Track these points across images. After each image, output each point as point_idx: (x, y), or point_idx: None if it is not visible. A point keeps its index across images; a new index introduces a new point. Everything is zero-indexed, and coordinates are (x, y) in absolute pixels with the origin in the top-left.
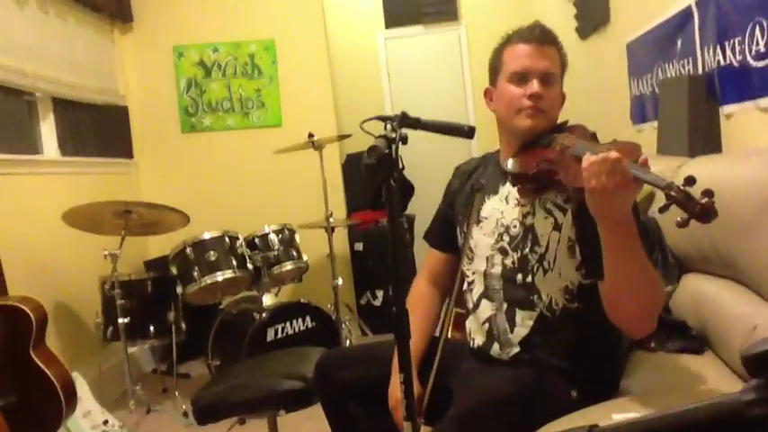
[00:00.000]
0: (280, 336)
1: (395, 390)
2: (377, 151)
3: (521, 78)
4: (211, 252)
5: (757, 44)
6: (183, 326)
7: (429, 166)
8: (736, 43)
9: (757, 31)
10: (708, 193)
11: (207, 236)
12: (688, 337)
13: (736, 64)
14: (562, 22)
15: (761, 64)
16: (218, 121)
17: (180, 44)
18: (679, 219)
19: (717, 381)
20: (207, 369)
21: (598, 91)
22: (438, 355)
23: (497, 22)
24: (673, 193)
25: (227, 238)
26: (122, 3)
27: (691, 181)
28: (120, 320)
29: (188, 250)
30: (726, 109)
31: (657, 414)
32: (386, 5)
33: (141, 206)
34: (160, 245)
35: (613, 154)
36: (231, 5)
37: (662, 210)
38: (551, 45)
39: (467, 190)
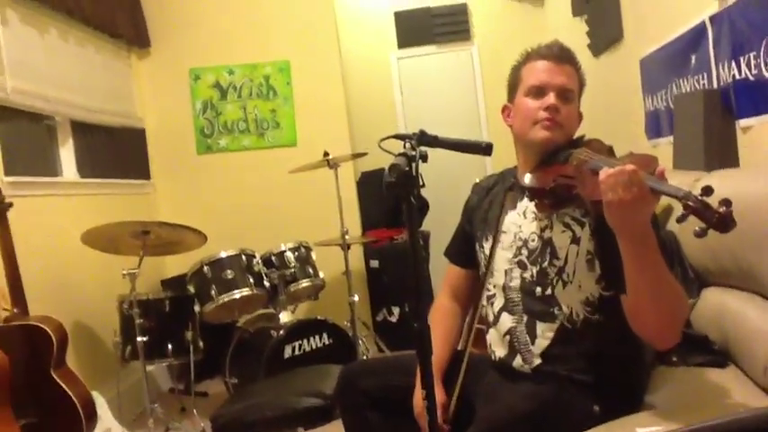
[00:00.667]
0: (297, 353)
1: (417, 401)
2: (398, 169)
3: (538, 92)
4: (228, 270)
5: None
6: (201, 344)
7: (442, 183)
8: (752, 57)
9: None
10: (726, 203)
11: (224, 254)
12: (710, 351)
13: (751, 78)
14: (575, 39)
15: None
16: (234, 141)
17: (196, 67)
18: (697, 228)
19: (740, 395)
20: (225, 387)
21: (612, 107)
22: (464, 368)
23: (510, 42)
24: (690, 203)
25: (243, 257)
26: (140, 28)
27: (708, 191)
28: (139, 339)
29: (205, 269)
30: (742, 122)
31: (694, 426)
32: (398, 26)
33: (159, 226)
34: (177, 264)
35: (629, 166)
36: (246, 28)
37: (680, 219)
38: (570, 63)
39: (485, 205)
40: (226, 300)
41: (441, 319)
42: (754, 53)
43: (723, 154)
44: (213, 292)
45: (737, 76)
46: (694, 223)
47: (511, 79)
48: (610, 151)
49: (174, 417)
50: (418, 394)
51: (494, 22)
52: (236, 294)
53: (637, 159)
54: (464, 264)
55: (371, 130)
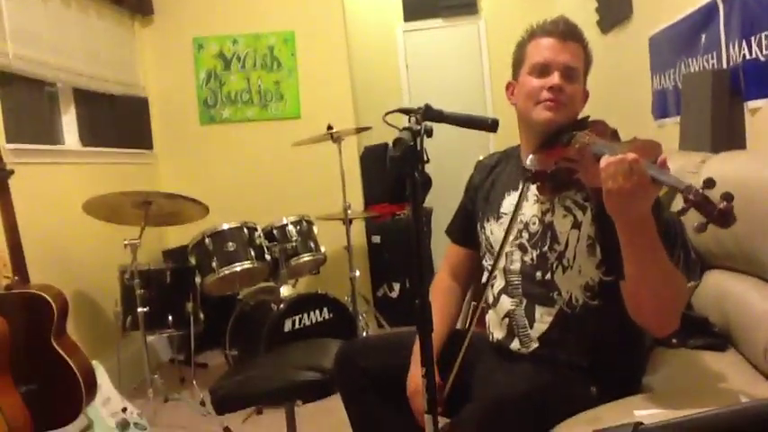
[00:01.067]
0: (297, 326)
1: (414, 378)
2: (402, 144)
3: (542, 71)
4: (230, 243)
5: None
6: (201, 316)
7: (446, 159)
8: (763, 38)
9: None
10: (727, 197)
11: (225, 226)
12: (710, 334)
13: (762, 58)
14: (583, 15)
15: None
16: (238, 112)
17: (200, 36)
18: (697, 223)
19: (739, 379)
20: (224, 359)
21: (619, 85)
22: (463, 350)
23: (517, 16)
24: (691, 197)
25: (245, 229)
26: None
27: (710, 183)
28: (139, 310)
29: (207, 241)
30: (751, 104)
31: (701, 413)
32: None
33: (161, 197)
34: (179, 235)
35: (631, 155)
36: None
37: (680, 213)
38: (575, 41)
39: (487, 185)
40: (227, 272)
41: (439, 296)
42: (766, 33)
43: (730, 136)
44: (214, 264)
45: (748, 57)
46: (696, 215)
47: (515, 56)
48: (614, 134)
49: (174, 387)
50: (413, 374)
51: None
52: (238, 267)
53: (640, 145)
54: (465, 243)
55: (376, 104)
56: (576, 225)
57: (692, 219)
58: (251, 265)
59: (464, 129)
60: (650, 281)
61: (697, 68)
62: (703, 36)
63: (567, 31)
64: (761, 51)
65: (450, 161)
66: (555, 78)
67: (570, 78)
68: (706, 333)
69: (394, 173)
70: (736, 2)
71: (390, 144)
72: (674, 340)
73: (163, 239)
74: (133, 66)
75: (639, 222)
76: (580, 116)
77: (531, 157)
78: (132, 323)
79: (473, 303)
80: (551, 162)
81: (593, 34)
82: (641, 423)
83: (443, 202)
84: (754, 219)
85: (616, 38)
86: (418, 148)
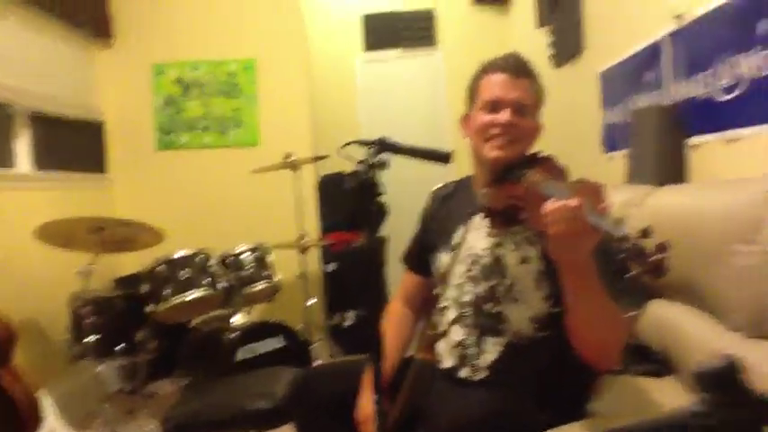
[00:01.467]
0: (250, 355)
1: (363, 405)
2: (358, 177)
3: (493, 107)
4: (184, 270)
5: (724, 79)
6: (153, 345)
7: (403, 188)
8: (704, 77)
9: (724, 67)
10: (662, 248)
11: (180, 254)
12: (652, 360)
13: (703, 97)
14: (537, 49)
15: (726, 98)
16: (195, 139)
17: (159, 62)
18: (633, 271)
19: (676, 403)
20: (175, 388)
21: (571, 118)
22: (411, 377)
23: (475, 49)
24: (626, 246)
25: (199, 257)
26: (103, 19)
27: (646, 233)
28: (89, 338)
29: (160, 268)
30: (693, 140)
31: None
32: (366, 29)
33: (115, 223)
34: (133, 262)
35: (573, 202)
36: (212, 24)
37: (616, 261)
38: (526, 76)
39: (441, 215)
40: (180, 300)
41: (392, 324)
42: (707, 73)
43: (674, 170)
44: (167, 292)
45: (691, 95)
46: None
47: (468, 91)
48: (562, 173)
49: (123, 417)
50: (362, 401)
51: (460, 29)
52: (191, 295)
53: (585, 188)
54: (419, 271)
55: (333, 133)
56: (526, 260)
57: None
58: (204, 293)
59: (419, 162)
60: (590, 320)
61: (644, 104)
62: (650, 73)
63: (518, 68)
64: (702, 90)
65: (408, 190)
66: (506, 115)
67: (521, 114)
68: (648, 360)
69: (349, 202)
70: (680, 41)
71: (347, 177)
72: (617, 367)
73: (116, 266)
74: (90, 89)
75: (580, 265)
76: (534, 149)
77: (482, 191)
78: (81, 351)
79: (425, 333)
80: (501, 199)
81: (547, 68)
82: None
83: (400, 230)
84: (694, 251)
85: (569, 72)
86: (373, 181)
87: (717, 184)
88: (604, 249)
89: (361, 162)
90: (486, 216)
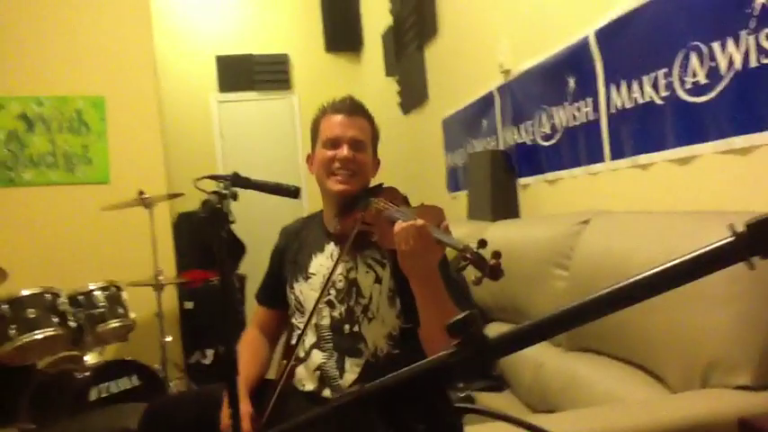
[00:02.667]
0: (104, 395)
1: (225, 415)
2: (209, 205)
3: (333, 144)
4: (30, 309)
5: (544, 127)
6: None
7: (260, 228)
8: (529, 125)
9: (544, 117)
10: (497, 255)
11: (25, 293)
12: (490, 377)
13: (528, 142)
14: (387, 96)
15: (547, 144)
16: (40, 176)
17: (0, 96)
18: (474, 278)
19: (512, 412)
20: None
21: (419, 161)
22: (274, 398)
23: (329, 93)
24: (468, 255)
25: (47, 295)
26: None
27: (483, 243)
28: None
29: (3, 307)
30: (522, 180)
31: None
32: (220, 70)
33: None
34: None
35: (419, 221)
36: (59, 59)
37: (460, 269)
38: (361, 116)
39: (294, 248)
40: (26, 340)
41: (248, 345)
42: (531, 122)
43: (507, 207)
44: (12, 332)
45: (518, 141)
46: (473, 270)
47: (311, 131)
48: (404, 200)
49: None
50: (224, 412)
51: (314, 74)
52: (38, 335)
53: (425, 210)
54: (272, 305)
55: (190, 171)
56: (378, 280)
57: (471, 275)
58: (54, 332)
59: (278, 199)
60: (440, 326)
61: (480, 149)
62: (484, 121)
63: (353, 108)
64: (528, 137)
65: (265, 230)
66: (344, 151)
67: (358, 149)
68: (487, 377)
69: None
70: (508, 94)
71: (200, 206)
72: (460, 384)
73: None
74: None
75: (428, 276)
76: (374, 183)
77: (333, 220)
78: None
79: (284, 362)
80: (351, 226)
81: (396, 114)
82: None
83: (258, 269)
84: (521, 275)
85: (415, 118)
86: (224, 209)
87: (539, 218)
88: (444, 262)
89: (212, 192)
90: (337, 243)
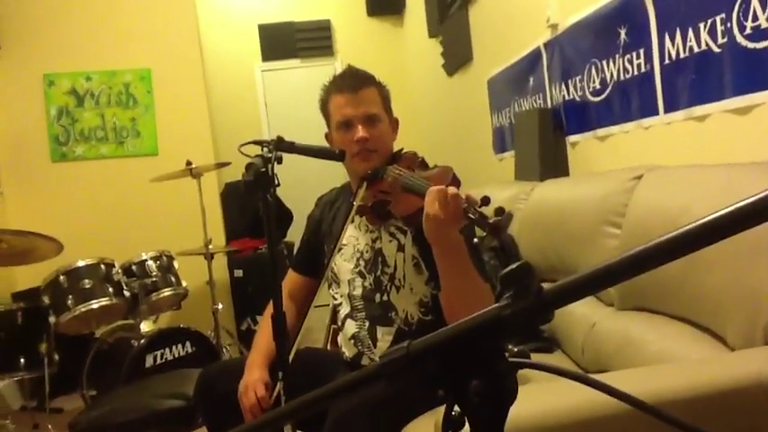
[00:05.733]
0: (159, 362)
1: (248, 379)
2: (254, 168)
3: (346, 125)
4: (86, 280)
5: (594, 82)
6: (56, 357)
7: (308, 197)
8: (578, 81)
9: (594, 71)
10: (498, 212)
11: (81, 263)
12: (540, 338)
13: (578, 99)
14: (431, 59)
15: (597, 99)
16: (91, 150)
17: (51, 72)
18: (476, 239)
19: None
20: (82, 402)
21: (464, 123)
22: (293, 355)
23: (372, 58)
24: (469, 215)
25: (102, 266)
26: None
27: (486, 201)
28: None
29: (61, 278)
30: (571, 138)
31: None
32: (262, 39)
33: (9, 234)
34: (30, 277)
35: (452, 189)
36: (105, 34)
37: (461, 231)
38: (365, 86)
39: (329, 219)
40: (83, 310)
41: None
42: (580, 77)
43: (555, 166)
44: (70, 302)
45: (566, 97)
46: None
47: (322, 112)
48: (422, 163)
49: None
50: (247, 377)
51: (356, 39)
52: (95, 304)
53: (437, 173)
54: (304, 272)
55: (236, 141)
56: (401, 248)
57: (526, 234)
58: (109, 302)
59: (324, 168)
60: (462, 295)
61: (527, 107)
62: (531, 78)
63: (356, 82)
64: (576, 93)
65: (312, 199)
66: (359, 132)
67: (372, 123)
68: (537, 338)
69: (250, 201)
70: (556, 49)
71: (244, 169)
72: (509, 346)
73: (11, 281)
74: None
75: (453, 244)
76: (402, 144)
77: (356, 192)
78: None
79: (332, 326)
80: (370, 197)
81: (440, 76)
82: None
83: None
84: (572, 234)
85: (460, 79)
86: (269, 172)
87: (589, 176)
88: (471, 232)
89: (256, 156)
90: (361, 214)
